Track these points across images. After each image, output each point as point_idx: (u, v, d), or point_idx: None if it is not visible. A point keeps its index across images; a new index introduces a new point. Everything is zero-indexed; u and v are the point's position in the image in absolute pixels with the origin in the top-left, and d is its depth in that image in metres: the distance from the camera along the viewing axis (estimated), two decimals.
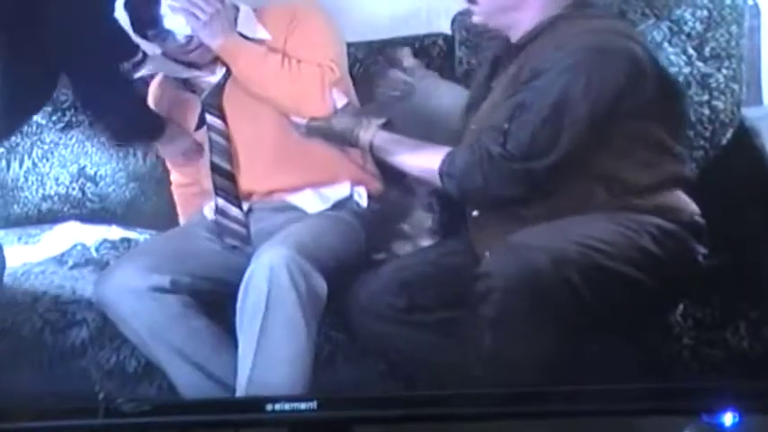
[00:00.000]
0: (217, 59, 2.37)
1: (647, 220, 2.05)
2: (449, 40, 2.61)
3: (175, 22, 2.29)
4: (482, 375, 2.04)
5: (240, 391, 2.15)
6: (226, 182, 2.38)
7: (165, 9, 2.29)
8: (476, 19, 2.25)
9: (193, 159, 2.46)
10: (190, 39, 2.32)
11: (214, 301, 2.29)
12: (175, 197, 2.58)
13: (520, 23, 2.17)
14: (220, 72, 2.39)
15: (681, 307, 2.11)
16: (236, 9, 2.38)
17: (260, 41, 2.38)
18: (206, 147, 2.41)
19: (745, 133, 2.38)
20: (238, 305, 2.17)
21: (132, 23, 2.33)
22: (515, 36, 2.19)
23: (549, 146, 2.03)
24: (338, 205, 2.38)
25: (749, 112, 2.41)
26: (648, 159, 2.08)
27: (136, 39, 2.36)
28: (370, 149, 2.24)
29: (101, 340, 2.32)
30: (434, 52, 2.61)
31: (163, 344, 2.22)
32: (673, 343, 2.08)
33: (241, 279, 2.26)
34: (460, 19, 2.57)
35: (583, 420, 2.01)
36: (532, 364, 2.00)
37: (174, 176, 2.58)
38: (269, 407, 2.05)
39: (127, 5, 2.32)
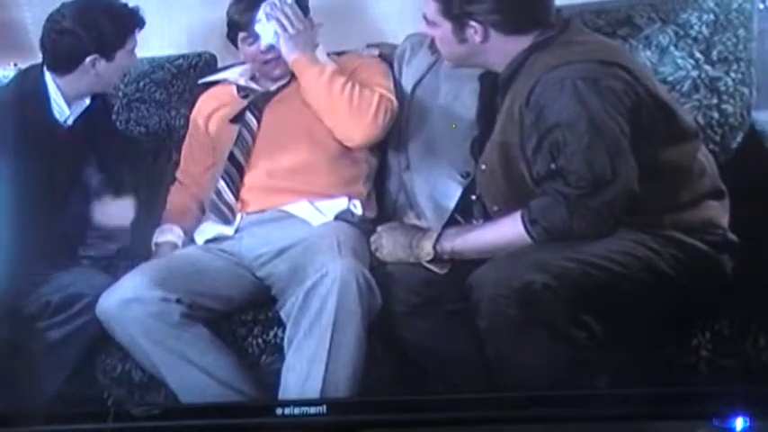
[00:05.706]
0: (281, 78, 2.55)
1: (673, 239, 2.05)
2: None
3: (264, 28, 2.49)
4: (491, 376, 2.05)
5: (296, 393, 2.15)
6: (234, 171, 2.50)
7: (260, 14, 2.49)
8: (447, 64, 2.29)
9: None
10: (270, 48, 2.51)
11: (212, 316, 2.31)
12: (172, 190, 2.64)
13: (495, 62, 2.16)
14: (277, 84, 2.56)
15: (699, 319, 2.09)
16: (316, 44, 2.54)
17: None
18: (231, 141, 2.52)
19: (755, 137, 2.38)
20: (291, 311, 2.18)
21: (228, 24, 2.56)
22: (499, 68, 2.17)
23: (608, 170, 2.01)
24: (338, 217, 2.42)
25: (760, 116, 2.41)
26: (668, 179, 2.08)
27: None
28: (440, 252, 2.20)
29: (108, 347, 2.33)
30: None
31: (166, 350, 2.24)
32: (690, 354, 2.06)
33: (244, 295, 2.36)
34: None
35: (594, 424, 2.00)
36: (533, 370, 2.01)
37: (185, 165, 2.64)
38: (279, 411, 2.05)
39: (233, 5, 2.55)
